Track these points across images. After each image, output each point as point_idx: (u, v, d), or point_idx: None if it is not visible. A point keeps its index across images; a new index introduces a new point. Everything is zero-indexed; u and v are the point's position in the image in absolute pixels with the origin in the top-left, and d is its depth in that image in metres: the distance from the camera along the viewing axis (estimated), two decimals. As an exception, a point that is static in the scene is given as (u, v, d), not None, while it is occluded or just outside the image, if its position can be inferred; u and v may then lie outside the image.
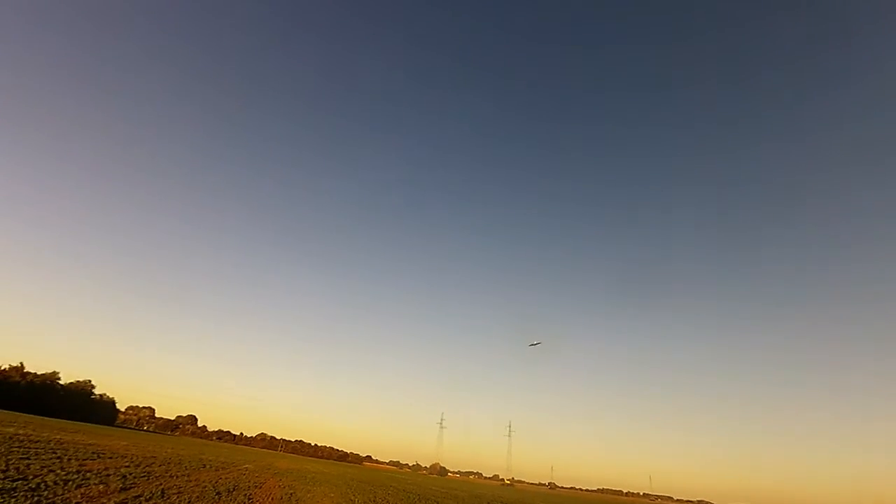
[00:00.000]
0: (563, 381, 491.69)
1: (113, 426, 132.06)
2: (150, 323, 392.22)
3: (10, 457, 23.53)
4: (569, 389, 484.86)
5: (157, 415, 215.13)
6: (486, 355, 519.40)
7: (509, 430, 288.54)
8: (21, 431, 39.97)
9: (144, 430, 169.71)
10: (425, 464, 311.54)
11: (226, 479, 33.22)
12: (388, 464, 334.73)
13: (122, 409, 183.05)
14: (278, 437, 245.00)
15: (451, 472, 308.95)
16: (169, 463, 37.08)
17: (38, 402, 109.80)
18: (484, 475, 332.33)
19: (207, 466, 41.24)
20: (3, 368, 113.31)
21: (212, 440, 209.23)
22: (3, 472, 19.07)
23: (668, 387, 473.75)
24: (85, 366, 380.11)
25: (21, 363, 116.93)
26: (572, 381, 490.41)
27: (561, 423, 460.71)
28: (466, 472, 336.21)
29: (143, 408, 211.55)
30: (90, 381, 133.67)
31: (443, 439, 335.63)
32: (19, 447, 28.17)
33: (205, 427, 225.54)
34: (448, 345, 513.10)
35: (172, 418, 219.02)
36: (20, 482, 17.78)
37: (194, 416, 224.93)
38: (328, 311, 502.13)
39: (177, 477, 28.80)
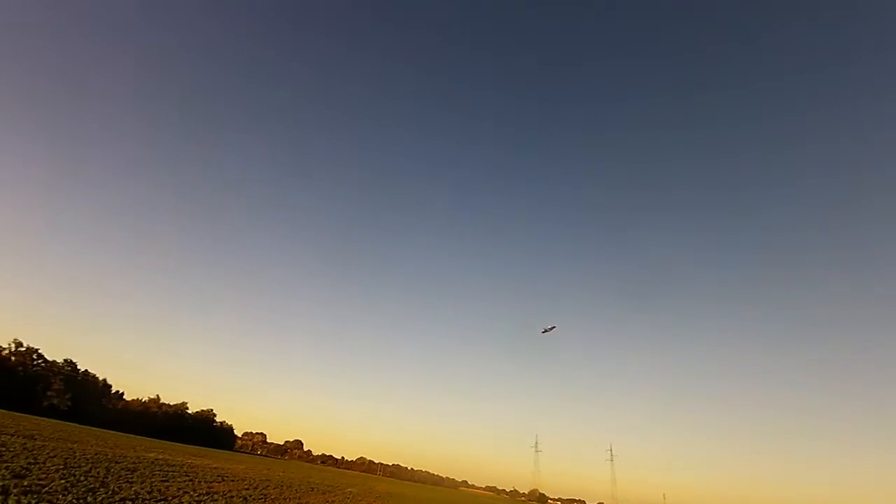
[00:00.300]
0: (668, 400, 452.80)
1: (232, 451, 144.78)
2: (256, 357, 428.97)
3: (153, 479, 26.55)
4: (675, 408, 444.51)
5: (268, 440, 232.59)
6: (581, 375, 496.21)
7: (611, 454, 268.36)
8: (160, 457, 45.10)
9: (258, 455, 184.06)
10: (523, 489, 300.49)
11: (332, 501, 34.55)
12: (484, 489, 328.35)
13: (239, 435, 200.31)
14: (376, 461, 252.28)
15: (551, 499, 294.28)
16: (282, 486, 39.51)
17: (171, 429, 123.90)
18: (587, 503, 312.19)
19: (315, 490, 43.29)
20: (144, 401, 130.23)
21: (317, 464, 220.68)
22: (149, 493, 21.51)
23: (801, 399, 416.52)
24: (207, 395, 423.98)
25: (157, 395, 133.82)
26: (677, 399, 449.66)
27: (668, 445, 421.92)
28: (568, 498, 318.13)
29: (256, 433, 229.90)
30: (212, 409, 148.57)
31: (539, 463, 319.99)
32: (160, 471, 31.71)
33: (310, 451, 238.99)
34: (535, 366, 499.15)
35: (281, 443, 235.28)
36: (162, 502, 19.91)
37: (300, 441, 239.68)
38: (413, 339, 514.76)
39: (289, 499, 30.51)
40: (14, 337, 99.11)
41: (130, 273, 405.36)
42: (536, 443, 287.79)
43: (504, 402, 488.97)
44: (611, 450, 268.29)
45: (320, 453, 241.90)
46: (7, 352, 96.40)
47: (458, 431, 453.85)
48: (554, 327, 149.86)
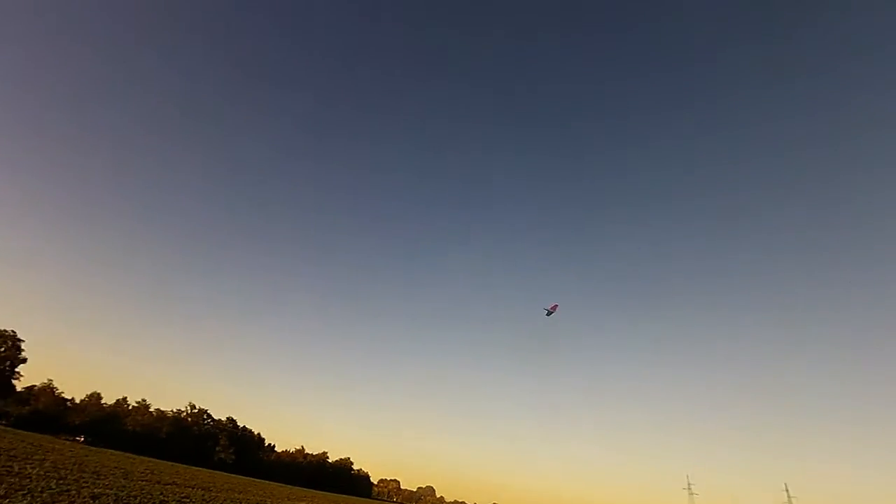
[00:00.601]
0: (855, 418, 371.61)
1: (369, 498, 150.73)
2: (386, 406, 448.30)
3: (303, 528, 28.81)
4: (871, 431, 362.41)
5: (401, 487, 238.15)
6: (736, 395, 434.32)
7: (787, 495, 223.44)
8: (308, 505, 48.77)
9: (393, 502, 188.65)
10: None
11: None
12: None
13: (375, 482, 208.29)
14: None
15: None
16: (417, 534, 39.96)
17: (314, 477, 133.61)
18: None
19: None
20: (291, 452, 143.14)
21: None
22: (300, 541, 23.40)
23: None
24: (345, 444, 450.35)
25: (302, 446, 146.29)
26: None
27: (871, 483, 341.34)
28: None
29: (391, 480, 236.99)
30: (349, 458, 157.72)
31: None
32: (308, 519, 34.29)
33: (442, 498, 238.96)
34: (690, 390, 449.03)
35: (414, 489, 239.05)
36: (311, 551, 21.49)
37: (432, 488, 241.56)
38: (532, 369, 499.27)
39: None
40: (189, 400, 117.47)
41: (265, 328, 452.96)
42: (689, 484, 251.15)
43: (654, 440, 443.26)
44: (786, 489, 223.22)
45: (452, 500, 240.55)
46: (185, 413, 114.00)
47: (600, 472, 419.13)
48: (556, 306, 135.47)
